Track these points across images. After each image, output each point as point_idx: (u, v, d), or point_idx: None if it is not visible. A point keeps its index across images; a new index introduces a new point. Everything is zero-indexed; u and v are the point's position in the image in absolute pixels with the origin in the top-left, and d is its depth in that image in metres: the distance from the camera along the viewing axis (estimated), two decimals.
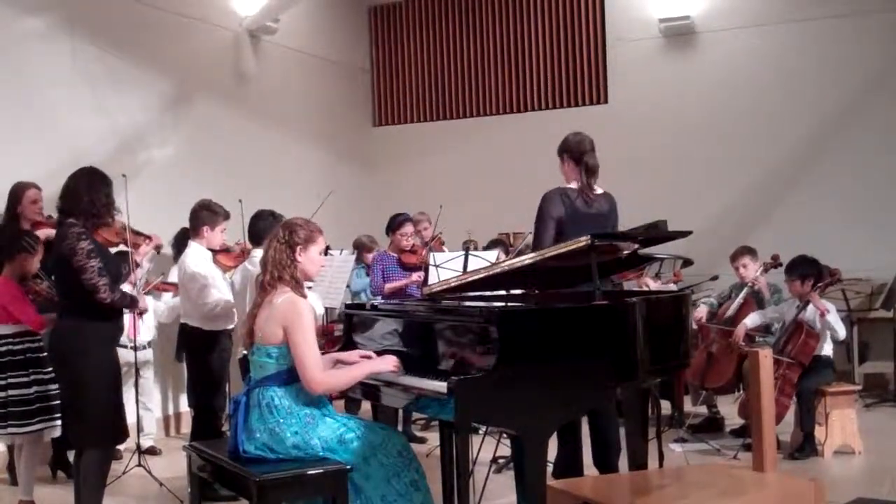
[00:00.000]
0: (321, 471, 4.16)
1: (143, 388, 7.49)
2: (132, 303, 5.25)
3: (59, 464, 6.79)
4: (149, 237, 5.52)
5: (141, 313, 5.87)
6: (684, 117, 11.11)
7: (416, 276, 7.78)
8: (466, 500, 4.83)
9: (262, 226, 6.15)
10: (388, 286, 7.83)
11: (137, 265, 5.39)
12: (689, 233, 4.85)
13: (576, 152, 5.57)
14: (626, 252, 4.90)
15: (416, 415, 8.34)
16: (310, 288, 4.95)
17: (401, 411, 7.58)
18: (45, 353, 5.64)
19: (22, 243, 5.92)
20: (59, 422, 5.73)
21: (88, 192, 5.01)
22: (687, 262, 5.34)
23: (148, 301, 7.39)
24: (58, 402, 5.64)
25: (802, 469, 6.45)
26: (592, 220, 5.35)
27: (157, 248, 5.68)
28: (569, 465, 5.57)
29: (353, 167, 12.25)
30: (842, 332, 7.23)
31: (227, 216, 6.54)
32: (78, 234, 4.90)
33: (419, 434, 8.03)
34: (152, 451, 7.35)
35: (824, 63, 10.58)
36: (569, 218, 5.39)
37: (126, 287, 6.40)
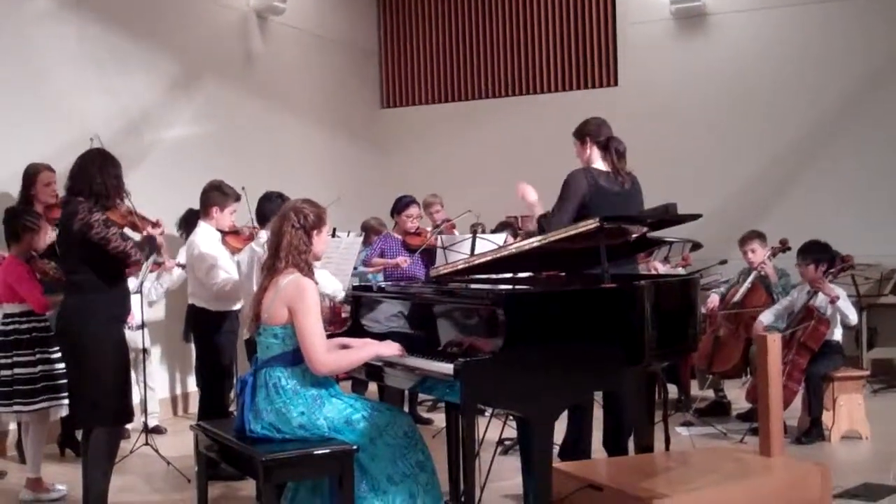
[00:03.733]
0: (327, 451, 4.17)
1: (148, 369, 7.48)
2: (153, 248, 5.38)
3: (67, 442, 6.82)
4: (154, 222, 5.51)
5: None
6: (695, 100, 11.06)
7: (401, 260, 7.79)
8: (472, 482, 4.86)
9: (269, 207, 6.14)
10: (376, 260, 7.87)
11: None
12: (699, 216, 4.82)
13: (600, 137, 5.56)
14: (635, 235, 4.88)
15: (422, 396, 8.34)
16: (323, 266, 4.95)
17: (407, 393, 7.59)
18: (52, 333, 5.64)
19: (24, 222, 5.93)
20: (65, 401, 5.74)
21: (100, 174, 5.01)
22: (696, 246, 5.32)
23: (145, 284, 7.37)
24: (63, 381, 5.65)
25: (809, 454, 6.44)
26: (619, 199, 5.34)
27: (161, 233, 5.67)
28: (575, 446, 5.57)
29: (361, 149, 12.22)
30: (853, 318, 7.20)
31: (237, 198, 6.54)
32: (90, 209, 4.90)
33: (425, 415, 8.04)
34: (157, 430, 7.35)
35: (837, 46, 10.51)
36: (595, 196, 5.37)
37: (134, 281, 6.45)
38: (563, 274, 5.43)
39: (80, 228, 4.88)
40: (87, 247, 4.90)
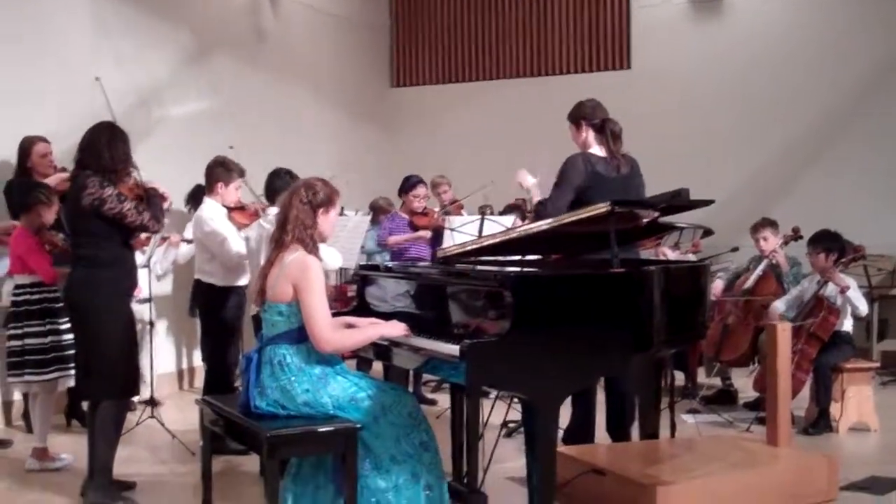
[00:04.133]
0: (331, 428, 4.15)
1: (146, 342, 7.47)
2: (161, 213, 5.32)
3: (73, 413, 6.84)
4: (162, 195, 5.50)
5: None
6: (708, 85, 10.99)
7: (423, 232, 7.77)
8: (475, 463, 4.84)
9: (278, 184, 6.12)
10: (393, 238, 7.84)
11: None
12: (711, 202, 4.78)
13: (595, 119, 5.49)
14: (645, 220, 4.84)
15: (426, 377, 8.34)
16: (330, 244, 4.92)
17: (412, 373, 7.58)
18: (61, 304, 5.64)
19: (38, 195, 5.95)
20: (73, 372, 5.74)
21: (108, 147, 5.00)
22: (707, 232, 5.26)
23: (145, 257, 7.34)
24: (72, 352, 5.65)
25: (816, 445, 6.41)
26: (616, 185, 5.29)
27: (168, 206, 5.67)
28: (580, 431, 5.55)
29: (370, 128, 12.19)
30: (864, 308, 7.16)
31: (242, 173, 6.52)
32: (100, 183, 4.89)
33: (430, 396, 8.03)
34: (154, 402, 7.30)
35: (855, 31, 10.44)
36: (591, 184, 5.33)
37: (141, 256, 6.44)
38: (572, 258, 5.39)
39: (92, 203, 4.87)
40: (97, 221, 4.89)
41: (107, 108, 5.84)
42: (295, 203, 4.41)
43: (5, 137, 6.82)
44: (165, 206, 5.47)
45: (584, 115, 5.54)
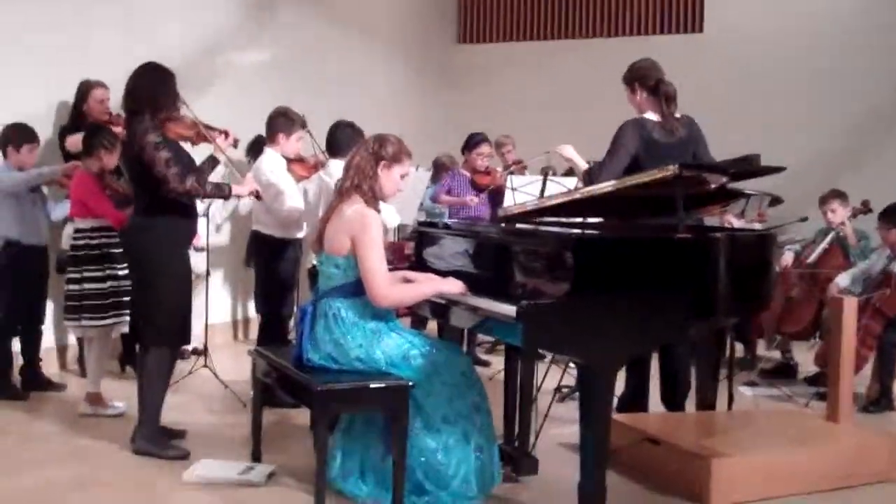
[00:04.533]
0: (383, 385, 4.12)
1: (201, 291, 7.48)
2: (222, 190, 5.24)
3: (127, 359, 6.88)
4: (224, 132, 5.45)
5: (257, 195, 5.73)
6: (781, 51, 10.72)
7: (470, 199, 7.69)
8: (528, 427, 4.79)
9: (340, 136, 6.05)
10: (444, 198, 7.78)
11: (217, 161, 5.31)
12: (783, 168, 4.64)
13: (650, 80, 5.34)
14: (713, 185, 4.70)
15: (481, 337, 8.29)
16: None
17: (466, 333, 7.52)
18: (120, 250, 5.64)
19: (102, 139, 5.94)
20: (129, 318, 5.77)
21: (151, 87, 4.96)
22: (776, 200, 5.11)
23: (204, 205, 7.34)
24: (129, 298, 5.67)
25: (876, 423, 6.25)
26: (672, 150, 5.14)
27: (235, 142, 5.62)
28: (634, 400, 5.48)
29: (434, 84, 12.09)
30: None
31: (303, 124, 6.45)
32: (145, 129, 4.85)
33: (484, 357, 7.97)
34: (196, 352, 7.32)
35: None
36: (645, 150, 5.19)
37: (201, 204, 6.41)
38: (633, 222, 5.28)
39: (138, 149, 4.85)
40: (144, 167, 4.86)
41: (168, 57, 5.76)
42: (361, 151, 4.43)
43: (65, 82, 6.82)
44: (229, 140, 5.43)
45: (636, 76, 5.40)
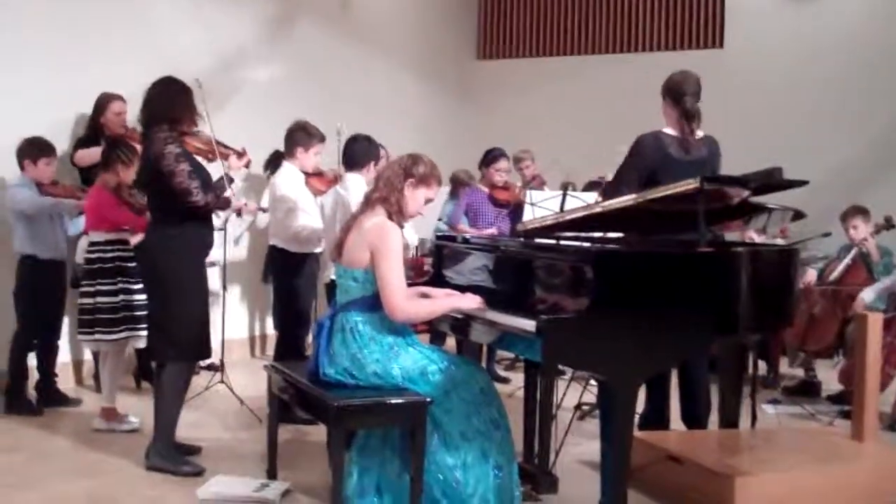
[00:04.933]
0: (401, 401, 4.07)
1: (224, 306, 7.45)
2: (225, 202, 5.23)
3: (143, 374, 6.85)
4: (239, 152, 5.44)
5: (238, 212, 5.67)
6: (805, 68, 10.65)
7: (491, 231, 7.59)
8: (548, 443, 4.73)
9: (356, 149, 6.01)
10: (462, 227, 7.67)
11: (231, 180, 5.30)
12: (806, 182, 4.57)
13: (676, 93, 5.27)
14: (735, 200, 4.63)
15: (501, 354, 8.23)
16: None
17: (485, 349, 7.47)
18: (134, 264, 5.62)
19: (120, 153, 5.92)
20: (143, 332, 5.74)
21: (169, 101, 4.95)
22: (799, 215, 5.04)
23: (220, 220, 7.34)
24: (142, 312, 5.65)
25: None
26: (689, 168, 5.05)
27: (248, 163, 5.58)
28: (655, 418, 5.40)
29: (453, 100, 12.06)
30: None
31: (322, 139, 6.43)
32: (164, 139, 4.83)
33: (503, 374, 7.91)
34: (213, 368, 7.28)
35: None
36: (661, 166, 5.12)
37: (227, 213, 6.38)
38: (654, 238, 5.21)
39: (156, 158, 4.82)
40: (162, 179, 4.83)
41: (187, 72, 5.74)
42: (393, 165, 4.42)
43: (83, 96, 6.81)
44: (244, 161, 5.40)
45: (666, 87, 5.32)
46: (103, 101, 6.73)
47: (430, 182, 4.40)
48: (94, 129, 6.72)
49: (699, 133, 5.27)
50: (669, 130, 5.27)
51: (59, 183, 6.30)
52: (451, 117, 11.79)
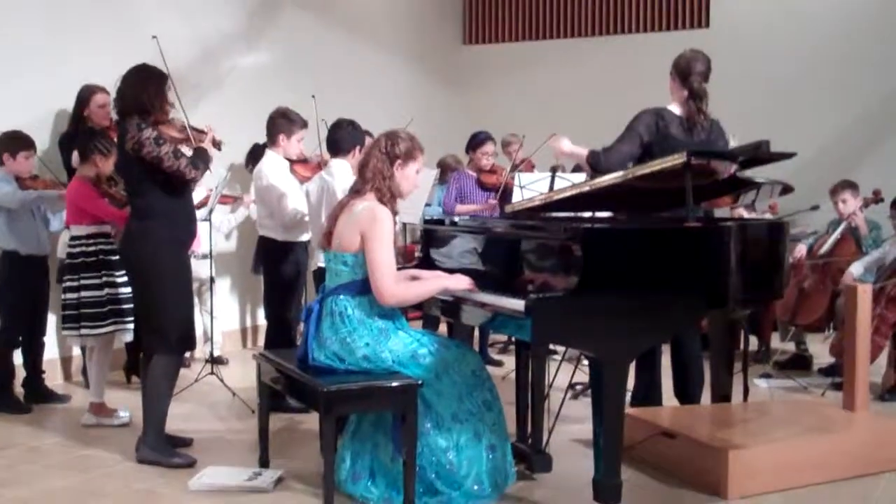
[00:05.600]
0: (392, 384, 4.06)
1: (206, 298, 7.42)
2: (206, 159, 5.10)
3: (132, 368, 6.80)
4: (204, 131, 5.36)
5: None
6: (791, 45, 10.62)
7: (492, 202, 7.57)
8: (540, 424, 4.71)
9: (340, 135, 5.96)
10: (462, 208, 7.65)
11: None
12: (793, 154, 4.57)
13: (684, 72, 5.26)
14: (723, 174, 4.61)
15: (493, 337, 8.22)
16: None
17: (477, 333, 7.45)
18: (117, 256, 5.57)
19: (97, 145, 5.84)
20: (130, 325, 5.69)
21: (140, 89, 4.87)
22: (786, 189, 5.03)
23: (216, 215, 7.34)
24: (129, 305, 5.59)
25: (892, 411, 6.15)
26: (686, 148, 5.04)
27: (215, 142, 5.50)
28: (647, 394, 5.40)
29: (440, 85, 12.01)
30: None
31: (304, 125, 6.38)
32: (138, 126, 4.76)
33: (496, 357, 7.89)
34: (220, 361, 7.28)
35: None
36: (660, 142, 5.11)
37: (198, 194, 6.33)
38: (643, 216, 5.20)
39: (133, 147, 4.76)
40: (142, 167, 4.79)
41: (167, 61, 5.69)
42: (374, 152, 4.35)
43: (64, 89, 6.74)
44: (209, 139, 5.32)
45: (675, 65, 5.31)
46: (86, 94, 6.63)
47: (415, 155, 4.37)
48: (78, 123, 6.63)
49: (710, 115, 5.25)
50: (674, 108, 5.25)
51: (39, 177, 6.24)
52: (438, 103, 11.74)
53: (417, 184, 4.51)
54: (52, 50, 6.77)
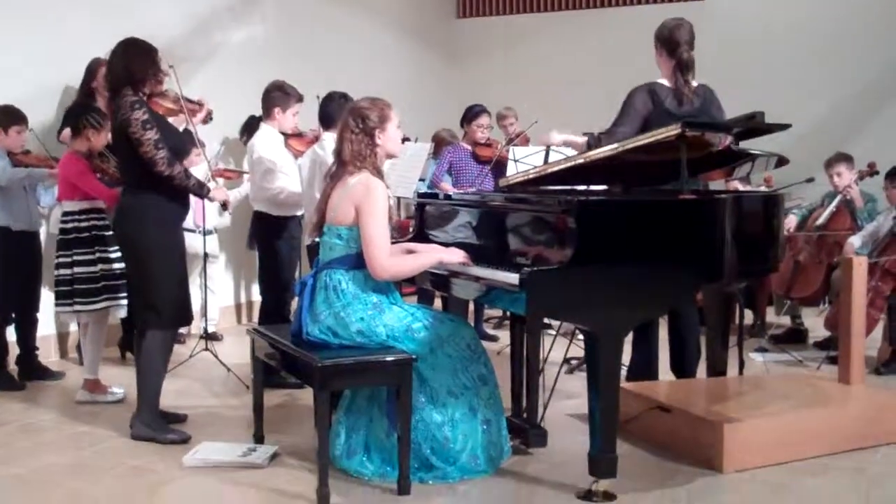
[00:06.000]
0: (386, 359, 4.03)
1: (210, 274, 7.40)
2: (201, 188, 5.04)
3: (127, 345, 6.77)
4: (198, 102, 5.30)
5: (224, 205, 5.59)
6: (785, 17, 10.57)
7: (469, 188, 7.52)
8: (535, 398, 4.71)
9: (332, 108, 5.90)
10: (446, 186, 7.60)
11: (202, 143, 5.18)
12: (788, 126, 4.55)
13: (670, 42, 5.20)
14: (718, 146, 4.58)
15: (489, 312, 8.21)
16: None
17: (473, 308, 7.44)
18: (110, 232, 5.54)
19: (89, 119, 5.79)
20: (124, 301, 5.67)
21: (130, 63, 4.82)
22: (782, 161, 5.00)
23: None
24: (123, 281, 5.58)
25: (888, 384, 6.16)
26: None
27: (208, 115, 5.44)
28: (643, 368, 5.38)
29: (434, 59, 11.95)
30: None
31: (300, 98, 6.34)
32: (131, 104, 4.72)
33: (491, 332, 7.88)
34: (214, 337, 7.27)
35: None
36: (656, 116, 5.07)
37: (199, 170, 6.29)
38: (638, 189, 5.17)
39: (122, 124, 4.73)
40: (131, 145, 4.75)
41: (160, 35, 5.63)
42: (347, 136, 4.29)
43: (54, 63, 6.71)
44: (203, 113, 5.25)
45: (660, 36, 5.24)
46: (94, 67, 6.52)
47: (387, 115, 4.32)
48: (86, 96, 6.56)
49: (693, 83, 5.21)
50: (664, 81, 5.21)
51: (31, 153, 6.19)
52: (432, 76, 11.69)
53: (402, 135, 4.50)
54: (42, 25, 6.70)
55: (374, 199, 4.13)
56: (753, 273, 4.82)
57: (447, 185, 7.69)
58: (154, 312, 4.83)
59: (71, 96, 6.77)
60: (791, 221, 7.50)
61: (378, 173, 4.27)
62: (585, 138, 5.35)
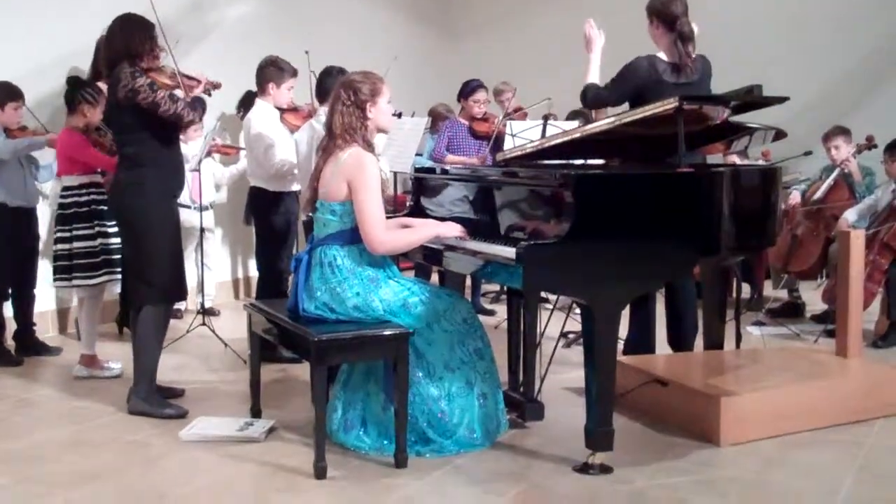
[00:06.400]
0: (382, 333, 4.03)
1: (206, 250, 7.38)
2: (195, 104, 5.04)
3: (124, 320, 6.76)
4: (195, 77, 5.28)
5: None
6: None
7: (483, 156, 7.49)
8: (532, 371, 4.71)
9: (330, 83, 5.86)
10: (452, 158, 7.58)
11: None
12: (786, 98, 4.53)
13: (668, 15, 5.15)
14: (716, 119, 4.57)
15: (486, 287, 8.20)
16: (380, 155, 4.72)
17: (470, 283, 7.43)
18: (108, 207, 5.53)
19: (84, 94, 5.78)
20: (121, 276, 5.66)
21: (128, 35, 4.82)
22: (780, 135, 4.98)
23: (214, 165, 7.35)
24: (120, 256, 5.56)
25: (885, 358, 6.16)
26: (679, 91, 4.98)
27: (213, 86, 5.41)
28: (640, 342, 5.39)
29: (432, 33, 11.86)
30: None
31: (294, 73, 6.31)
32: (132, 73, 4.71)
33: (488, 307, 7.89)
34: (211, 312, 7.28)
35: None
36: (654, 89, 5.04)
37: (196, 145, 6.28)
38: (636, 163, 5.16)
39: (126, 95, 4.70)
40: (134, 116, 4.73)
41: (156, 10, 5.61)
42: (338, 108, 4.26)
43: (52, 40, 6.69)
44: (200, 87, 5.24)
45: (655, 10, 5.20)
46: (101, 46, 6.51)
47: (379, 88, 4.29)
48: (95, 76, 6.51)
49: (693, 54, 5.18)
50: (663, 55, 5.17)
51: (28, 129, 6.17)
52: (430, 50, 11.61)
53: (393, 110, 4.49)
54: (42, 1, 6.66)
55: (367, 173, 4.11)
56: (751, 247, 4.79)
57: (454, 158, 7.63)
58: (150, 287, 4.82)
59: (65, 73, 6.73)
60: (795, 198, 7.49)
61: (369, 147, 4.24)
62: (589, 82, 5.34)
